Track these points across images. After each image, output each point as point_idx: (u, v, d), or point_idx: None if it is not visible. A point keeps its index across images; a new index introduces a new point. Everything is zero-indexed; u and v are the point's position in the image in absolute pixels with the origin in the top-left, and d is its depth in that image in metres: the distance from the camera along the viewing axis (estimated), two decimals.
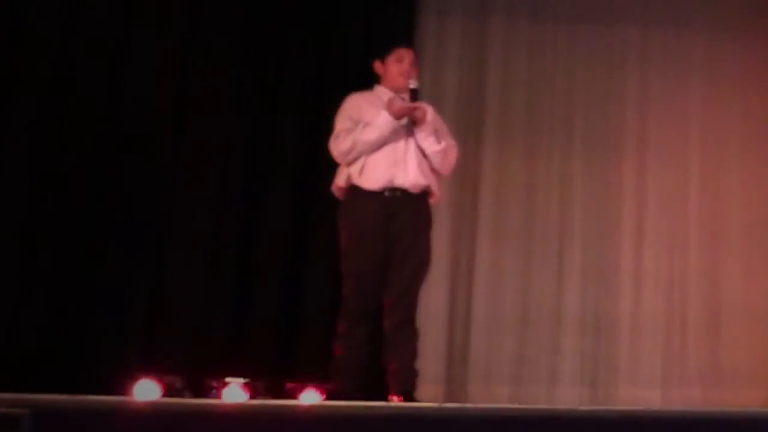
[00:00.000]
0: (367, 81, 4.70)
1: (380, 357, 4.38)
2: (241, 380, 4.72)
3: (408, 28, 5.71)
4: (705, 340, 5.95)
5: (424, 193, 4.49)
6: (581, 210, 6.05)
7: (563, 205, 6.05)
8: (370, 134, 4.38)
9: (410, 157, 4.42)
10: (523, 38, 6.15)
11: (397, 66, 4.59)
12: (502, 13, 6.13)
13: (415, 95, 4.47)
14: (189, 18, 5.47)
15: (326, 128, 4.60)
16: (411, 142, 4.44)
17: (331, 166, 4.56)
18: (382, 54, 4.63)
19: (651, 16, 6.22)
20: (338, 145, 4.45)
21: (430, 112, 4.51)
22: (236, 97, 5.53)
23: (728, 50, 6.22)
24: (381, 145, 4.39)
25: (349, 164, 4.44)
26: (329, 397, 4.43)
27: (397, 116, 4.39)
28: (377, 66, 4.65)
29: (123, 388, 4.14)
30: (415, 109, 4.41)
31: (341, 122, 4.51)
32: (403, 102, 4.47)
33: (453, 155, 4.61)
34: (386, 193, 4.38)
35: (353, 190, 4.43)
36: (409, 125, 4.44)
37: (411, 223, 4.42)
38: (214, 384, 4.79)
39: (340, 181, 4.49)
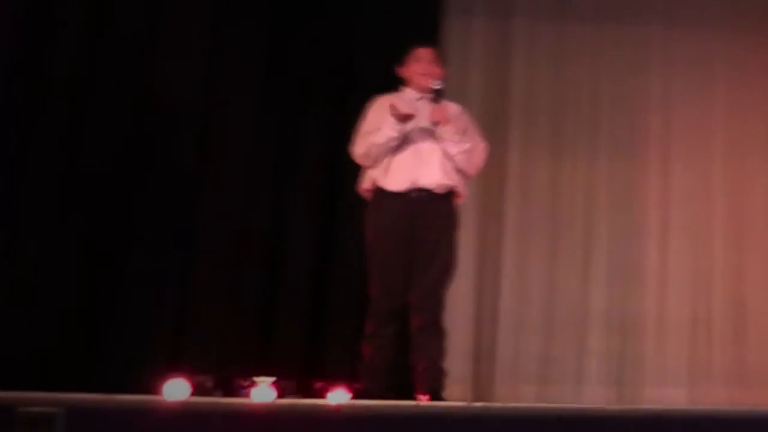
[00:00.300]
0: (392, 83, 4.70)
1: (408, 356, 4.40)
2: (270, 379, 4.74)
3: (432, 30, 5.69)
4: (730, 339, 5.92)
5: (449, 194, 4.48)
6: (606, 210, 6.04)
7: (588, 205, 6.04)
8: (379, 138, 4.40)
9: (434, 157, 4.43)
10: (548, 39, 6.14)
11: (416, 66, 4.58)
12: (527, 14, 6.12)
13: (438, 95, 4.46)
14: (215, 22, 5.51)
15: (351, 130, 4.62)
16: (435, 143, 4.45)
17: (357, 167, 4.58)
18: (403, 58, 4.64)
19: (674, 17, 6.20)
20: (356, 148, 4.51)
21: (454, 113, 4.52)
22: (262, 99, 5.56)
23: (751, 51, 6.18)
24: (395, 147, 4.40)
25: (370, 166, 4.48)
26: (357, 397, 4.43)
27: (398, 121, 4.38)
28: (401, 71, 4.65)
29: (153, 388, 4.17)
30: (410, 116, 4.37)
31: (362, 126, 4.54)
32: (424, 103, 4.47)
33: (480, 155, 4.60)
34: (411, 194, 4.39)
35: (378, 191, 4.45)
36: (430, 127, 4.44)
37: (435, 224, 4.42)
38: (243, 383, 4.82)
39: (365, 182, 4.52)
